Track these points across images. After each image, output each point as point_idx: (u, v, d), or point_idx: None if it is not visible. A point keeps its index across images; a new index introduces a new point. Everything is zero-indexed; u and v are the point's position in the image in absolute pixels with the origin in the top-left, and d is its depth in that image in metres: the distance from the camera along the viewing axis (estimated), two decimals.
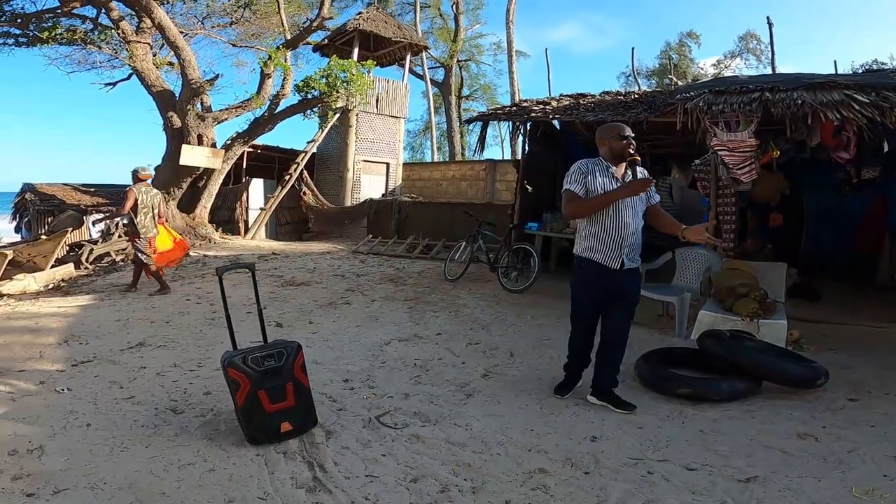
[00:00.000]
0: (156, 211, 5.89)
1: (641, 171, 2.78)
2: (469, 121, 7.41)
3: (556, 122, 7.29)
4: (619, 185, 2.79)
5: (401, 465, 2.32)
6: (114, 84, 12.53)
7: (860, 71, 14.07)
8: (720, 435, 2.65)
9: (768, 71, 17.14)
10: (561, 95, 6.98)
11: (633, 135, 2.84)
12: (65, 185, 12.96)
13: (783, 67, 29.22)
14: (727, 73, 23.04)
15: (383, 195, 14.37)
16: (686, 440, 2.59)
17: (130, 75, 11.66)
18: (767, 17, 14.32)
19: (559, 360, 3.78)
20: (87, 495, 2.04)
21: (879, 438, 2.60)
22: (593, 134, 7.15)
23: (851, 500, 2.07)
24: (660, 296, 4.47)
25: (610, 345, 2.97)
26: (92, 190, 12.67)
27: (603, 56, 44.85)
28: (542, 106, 6.42)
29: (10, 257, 7.24)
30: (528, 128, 6.88)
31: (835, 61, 34.99)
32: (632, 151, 2.78)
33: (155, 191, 5.98)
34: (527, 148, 7.07)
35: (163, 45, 11.50)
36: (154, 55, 11.24)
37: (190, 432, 2.58)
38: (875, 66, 16.58)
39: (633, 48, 21.80)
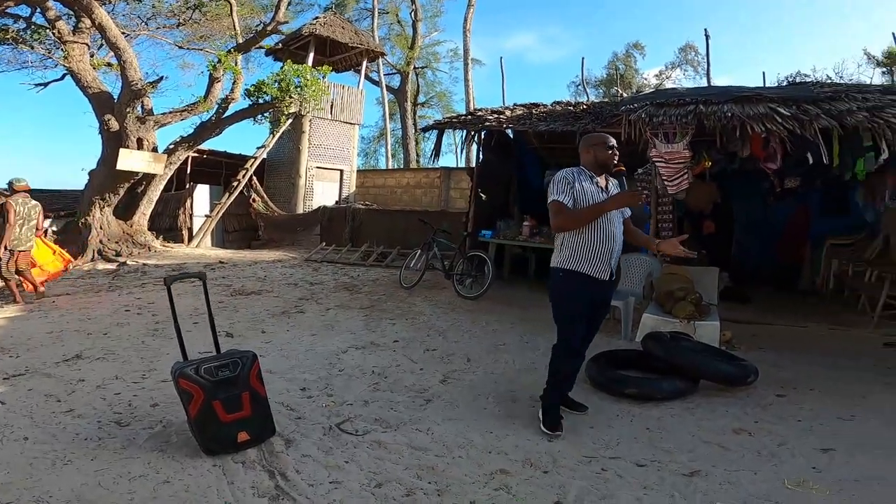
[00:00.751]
0: (32, 223, 5.70)
1: (626, 184, 2.77)
2: (424, 129, 7.48)
3: (509, 132, 7.50)
4: (604, 194, 2.76)
5: (364, 471, 2.31)
6: (45, 84, 11.74)
7: (784, 83, 15.33)
8: (664, 432, 2.79)
9: (704, 81, 18.24)
10: (514, 105, 7.20)
11: (616, 145, 2.82)
12: None
13: (718, 77, 31.15)
14: (668, 84, 24.18)
15: (337, 202, 14.18)
16: (634, 437, 2.72)
17: (64, 76, 10.95)
18: (705, 30, 15.18)
19: (514, 365, 3.90)
20: None
21: (806, 432, 2.79)
22: (545, 143, 7.48)
23: (785, 492, 2.19)
24: None
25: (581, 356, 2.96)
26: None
27: (556, 65, 46.34)
28: (496, 115, 6.60)
29: None
30: (483, 136, 7.04)
31: (763, 72, 37.92)
32: (616, 162, 2.77)
33: (33, 202, 5.75)
34: (481, 156, 7.22)
35: (101, 44, 10.86)
36: (92, 56, 10.61)
37: (138, 444, 2.47)
38: (798, 79, 18.16)
39: (582, 58, 22.63)
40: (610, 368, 3.35)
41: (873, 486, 2.21)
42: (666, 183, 4.60)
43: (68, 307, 5.37)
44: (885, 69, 19.12)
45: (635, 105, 4.84)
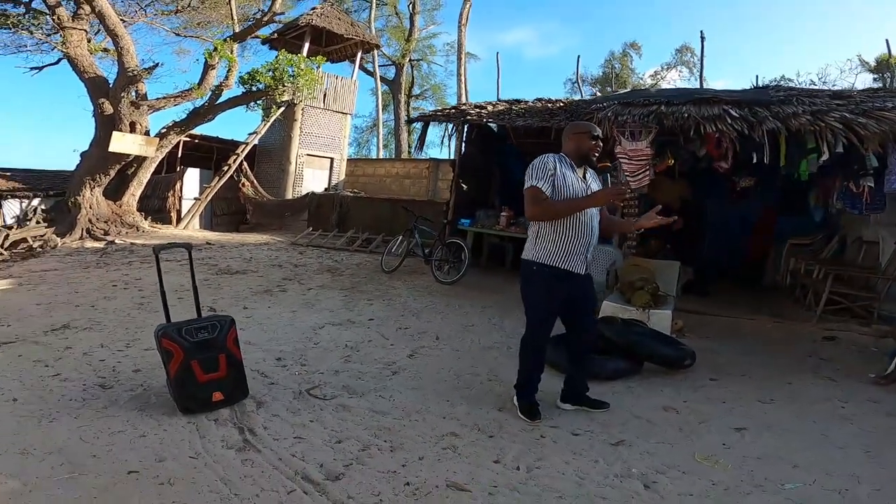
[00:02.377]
0: None
1: (611, 178, 2.77)
2: (409, 121, 7.77)
3: (494, 126, 7.75)
4: (583, 184, 2.70)
5: (327, 430, 2.56)
6: (41, 68, 11.83)
7: (771, 85, 15.54)
8: None
9: (698, 83, 18.35)
10: (497, 100, 7.45)
11: (601, 135, 2.77)
12: None
13: (715, 80, 31.07)
14: (664, 85, 24.34)
15: (326, 189, 14.34)
16: (576, 410, 2.97)
17: (59, 60, 11.11)
18: (700, 32, 15.00)
19: (479, 343, 4.16)
20: (17, 459, 2.14)
21: (726, 413, 3.01)
22: (523, 139, 7.72)
23: (692, 464, 2.40)
24: None
25: (584, 351, 2.94)
26: (7, 174, 11.77)
27: (554, 61, 46.20)
28: (478, 110, 6.84)
29: None
30: (466, 129, 7.27)
31: (756, 76, 38.14)
32: (597, 155, 2.70)
33: None
34: (463, 148, 7.46)
35: (98, 30, 10.95)
36: (89, 41, 10.71)
37: (119, 405, 2.70)
38: (783, 83, 18.45)
39: (578, 56, 22.79)
40: (561, 348, 3.60)
41: (773, 462, 2.44)
42: (628, 178, 4.87)
43: (57, 281, 5.56)
44: (876, 75, 19.45)
45: (605, 104, 5.09)
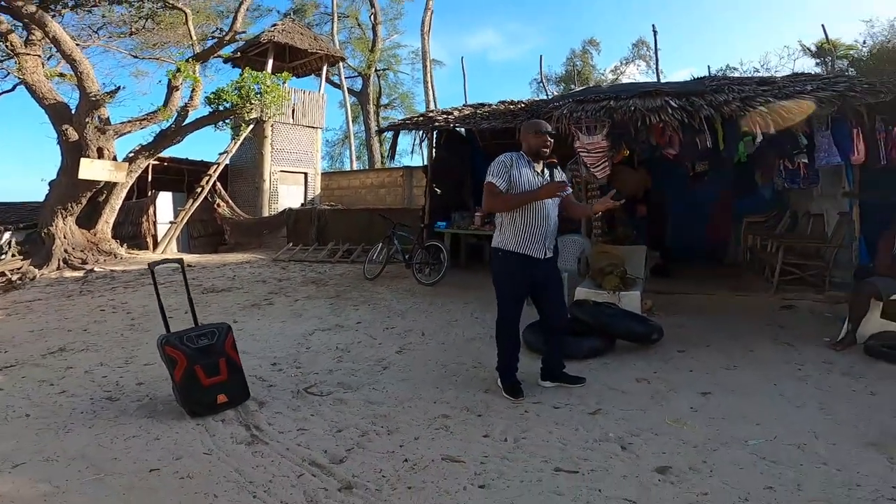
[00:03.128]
0: None
1: (559, 173, 3.08)
2: (379, 131, 8.03)
3: (462, 130, 8.05)
4: (540, 178, 2.94)
5: (327, 421, 2.77)
6: None
7: (707, 76, 16.25)
8: None
9: (654, 76, 19.06)
10: (463, 105, 7.76)
11: (551, 131, 2.95)
12: None
13: (676, 71, 31.70)
14: (623, 80, 24.96)
15: (302, 204, 14.44)
16: (556, 387, 3.21)
17: (16, 87, 10.88)
18: (653, 26, 15.58)
19: (463, 336, 4.41)
20: (43, 466, 2.31)
21: (694, 380, 3.27)
22: (489, 141, 8.04)
23: (664, 426, 2.63)
24: None
25: (556, 334, 3.19)
26: None
27: (519, 62, 47.01)
28: (444, 115, 7.14)
29: None
30: (435, 136, 7.56)
31: (708, 66, 39.48)
32: (547, 151, 2.91)
33: None
34: (433, 154, 7.74)
35: (51, 55, 10.83)
36: (42, 65, 10.58)
37: (129, 413, 2.86)
38: (728, 72, 19.21)
39: (541, 56, 23.14)
40: (539, 332, 3.87)
41: (737, 422, 2.67)
42: (591, 170, 5.23)
43: (44, 310, 5.61)
44: (818, 60, 20.37)
45: (561, 103, 5.45)
